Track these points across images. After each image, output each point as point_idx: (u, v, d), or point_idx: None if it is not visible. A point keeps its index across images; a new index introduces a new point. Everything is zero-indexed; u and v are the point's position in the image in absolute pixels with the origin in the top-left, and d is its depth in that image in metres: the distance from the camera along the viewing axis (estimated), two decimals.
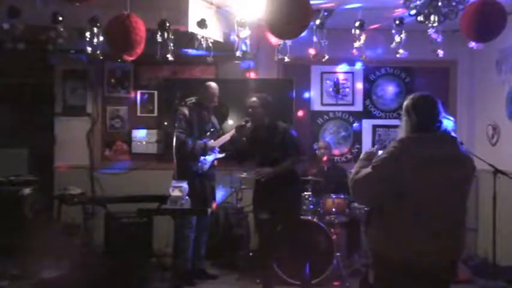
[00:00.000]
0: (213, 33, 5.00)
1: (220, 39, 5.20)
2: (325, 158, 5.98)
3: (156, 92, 6.53)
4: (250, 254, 5.67)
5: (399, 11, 4.73)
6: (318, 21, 4.66)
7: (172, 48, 4.46)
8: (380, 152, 2.77)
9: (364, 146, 6.49)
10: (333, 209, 5.39)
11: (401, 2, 4.14)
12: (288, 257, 5.00)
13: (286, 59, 4.72)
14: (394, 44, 4.64)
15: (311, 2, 3.91)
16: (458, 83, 6.53)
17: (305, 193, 5.36)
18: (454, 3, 3.94)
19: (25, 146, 6.75)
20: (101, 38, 4.35)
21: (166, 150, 6.02)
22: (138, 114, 6.57)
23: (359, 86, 6.57)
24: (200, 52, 4.98)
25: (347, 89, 6.58)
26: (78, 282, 4.49)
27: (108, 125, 6.57)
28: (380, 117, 6.57)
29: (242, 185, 5.70)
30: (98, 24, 4.36)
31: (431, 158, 2.61)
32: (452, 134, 2.79)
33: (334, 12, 4.76)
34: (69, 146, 6.49)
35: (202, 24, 4.66)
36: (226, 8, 5.15)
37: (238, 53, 4.66)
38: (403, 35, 4.60)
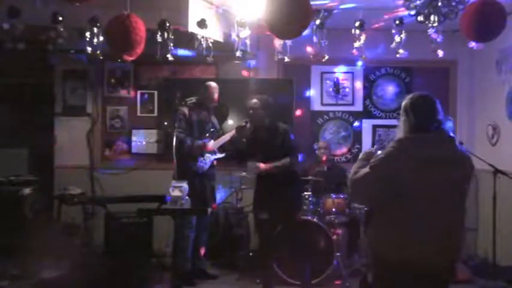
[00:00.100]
0: (213, 33, 5.00)
1: (220, 39, 5.20)
2: (324, 158, 5.98)
3: (156, 92, 6.53)
4: (250, 254, 5.67)
5: (399, 11, 4.74)
6: (318, 21, 4.66)
7: (172, 48, 4.47)
8: (379, 152, 2.77)
9: (364, 146, 6.49)
10: (333, 209, 5.39)
11: (401, 2, 4.15)
12: (288, 257, 5.00)
13: (286, 59, 4.72)
14: (394, 44, 4.64)
15: (311, 2, 3.91)
16: (458, 83, 6.53)
17: (305, 193, 5.37)
18: (454, 3, 3.94)
19: (25, 146, 6.74)
20: (101, 38, 4.36)
21: (166, 150, 6.02)
22: (138, 114, 6.57)
23: (359, 86, 6.58)
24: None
25: (347, 89, 6.58)
26: (78, 282, 4.48)
27: (108, 125, 6.57)
28: (380, 117, 6.58)
29: (242, 185, 5.71)
30: (98, 24, 4.36)
31: (430, 158, 2.61)
32: (451, 133, 2.80)
33: (334, 12, 4.76)
34: (69, 146, 6.50)
35: (202, 24, 4.66)
36: (226, 8, 5.15)
37: (238, 53, 4.67)
38: (403, 35, 4.60)
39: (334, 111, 6.59)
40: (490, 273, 5.31)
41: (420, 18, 4.04)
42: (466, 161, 2.74)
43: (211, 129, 5.43)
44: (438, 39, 4.29)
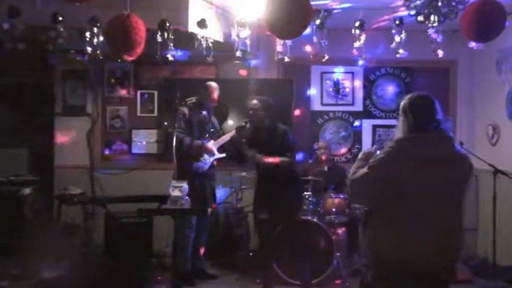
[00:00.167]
0: (213, 33, 5.00)
1: (220, 39, 5.20)
2: (324, 158, 5.98)
3: (156, 92, 6.53)
4: (250, 254, 5.67)
5: (399, 11, 4.74)
6: (318, 21, 4.66)
7: (173, 48, 4.47)
8: (378, 152, 2.77)
9: (364, 146, 6.49)
10: (333, 209, 5.39)
11: (401, 2, 4.15)
12: (288, 257, 5.00)
13: (286, 59, 4.72)
14: (394, 44, 4.64)
15: (311, 2, 3.91)
16: (458, 83, 6.53)
17: (305, 193, 5.37)
18: (454, 3, 3.94)
19: (25, 146, 6.75)
20: (101, 38, 4.36)
21: (166, 150, 6.02)
22: (138, 114, 6.57)
23: (359, 86, 6.57)
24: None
25: (347, 89, 6.58)
26: (78, 282, 4.48)
27: (108, 125, 6.57)
28: (380, 117, 6.58)
29: (242, 185, 5.70)
30: (98, 24, 4.36)
31: (429, 158, 2.61)
32: (450, 133, 2.80)
33: (334, 12, 4.76)
34: (69, 146, 6.50)
35: (202, 24, 4.66)
36: (226, 8, 5.15)
37: (238, 53, 4.67)
38: (403, 35, 4.60)
39: (334, 111, 6.59)
40: (490, 273, 5.31)
41: (420, 18, 4.04)
42: (465, 161, 2.75)
43: (211, 130, 5.43)
44: (438, 39, 4.29)
